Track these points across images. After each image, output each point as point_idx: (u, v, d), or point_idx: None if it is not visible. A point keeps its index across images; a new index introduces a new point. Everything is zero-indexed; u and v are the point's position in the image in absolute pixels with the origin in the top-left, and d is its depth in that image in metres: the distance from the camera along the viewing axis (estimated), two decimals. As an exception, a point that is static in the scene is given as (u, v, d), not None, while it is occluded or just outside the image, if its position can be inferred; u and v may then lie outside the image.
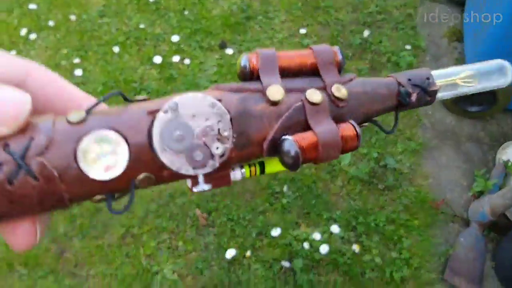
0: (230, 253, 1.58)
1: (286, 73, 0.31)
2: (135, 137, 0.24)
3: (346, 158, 1.84)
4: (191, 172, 0.25)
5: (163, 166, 0.25)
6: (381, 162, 1.87)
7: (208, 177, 0.27)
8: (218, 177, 0.28)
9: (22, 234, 0.25)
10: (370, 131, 1.97)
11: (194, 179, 0.27)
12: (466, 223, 1.76)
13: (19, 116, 0.21)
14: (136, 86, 2.04)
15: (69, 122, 0.24)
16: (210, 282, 1.54)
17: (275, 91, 0.29)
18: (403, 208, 1.75)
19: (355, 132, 0.30)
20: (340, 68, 0.32)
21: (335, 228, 1.66)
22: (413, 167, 1.89)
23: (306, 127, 0.29)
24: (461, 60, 2.30)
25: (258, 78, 0.30)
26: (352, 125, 0.30)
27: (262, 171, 0.30)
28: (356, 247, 1.63)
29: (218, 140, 0.26)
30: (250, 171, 0.29)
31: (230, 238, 1.63)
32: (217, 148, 0.26)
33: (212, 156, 0.26)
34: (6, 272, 1.52)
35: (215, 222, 1.67)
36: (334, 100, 0.30)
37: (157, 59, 2.14)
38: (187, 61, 2.16)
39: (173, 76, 2.09)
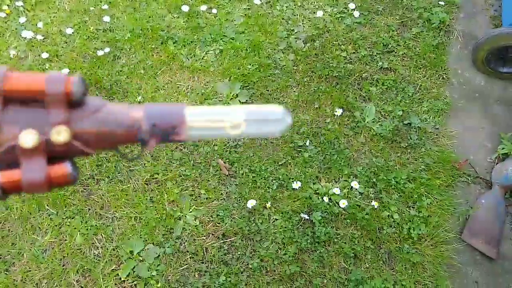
0: (251, 203, 1.61)
1: (16, 97, 0.30)
2: None
3: (370, 114, 1.83)
4: None
5: None
6: (406, 121, 1.85)
7: None
8: None
9: None
10: (396, 89, 1.95)
11: None
12: (488, 185, 1.75)
13: None
14: (163, 35, 2.03)
15: None
16: (231, 229, 1.58)
17: None
18: (425, 167, 1.75)
19: (66, 172, 0.30)
20: (74, 100, 0.31)
21: (355, 184, 1.68)
22: (437, 126, 1.87)
23: (18, 164, 0.30)
24: (496, 19, 2.22)
25: None
26: (66, 165, 0.30)
27: None
28: (375, 203, 1.65)
29: None
30: None
31: (251, 189, 1.66)
32: None
33: None
34: (36, 211, 1.58)
35: (237, 172, 1.70)
36: (51, 143, 0.30)
37: (185, 8, 2.11)
38: (214, 10, 2.14)
39: (200, 25, 2.08)
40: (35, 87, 0.30)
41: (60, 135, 0.30)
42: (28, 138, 0.29)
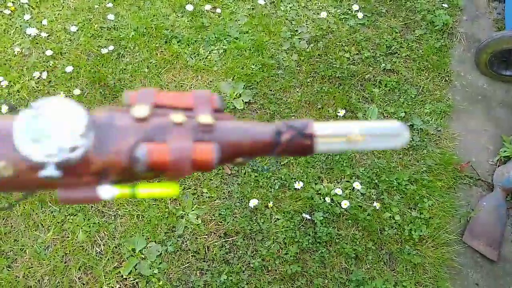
0: (253, 202, 1.62)
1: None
2: (3, 127, 0.27)
3: (373, 116, 1.84)
4: (42, 158, 0.26)
5: (20, 155, 0.26)
6: (408, 122, 1.86)
7: (71, 180, 0.28)
8: (83, 184, 0.28)
9: None
10: (399, 90, 1.95)
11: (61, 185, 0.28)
12: (490, 187, 1.76)
13: None
14: (167, 33, 2.03)
15: None
16: (232, 228, 1.59)
17: (140, 109, 0.30)
18: (427, 169, 1.76)
19: (211, 155, 0.30)
20: (217, 111, 0.33)
21: (357, 185, 1.68)
22: (440, 128, 1.87)
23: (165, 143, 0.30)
24: (499, 22, 2.22)
25: None
26: (211, 147, 0.30)
27: (133, 196, 0.30)
28: (377, 204, 1.65)
29: (73, 136, 0.27)
30: (121, 193, 0.30)
31: (253, 188, 1.67)
32: (71, 141, 0.27)
33: (63, 149, 0.27)
34: (39, 208, 1.59)
35: (239, 172, 1.70)
36: (198, 124, 0.31)
37: (189, 7, 2.12)
38: (218, 10, 2.14)
39: (204, 24, 2.08)
40: (184, 100, 0.32)
41: (206, 118, 0.31)
42: (178, 116, 0.31)
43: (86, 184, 0.28)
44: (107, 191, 0.29)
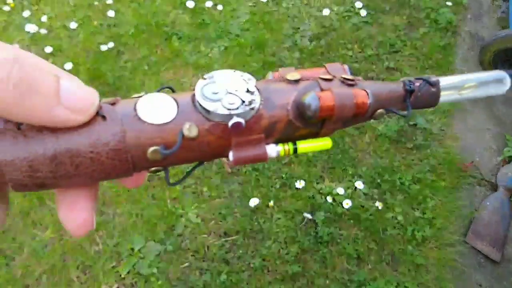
0: (254, 201, 1.60)
1: None
2: (181, 97, 0.29)
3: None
4: (225, 111, 0.28)
5: (203, 115, 0.29)
6: (411, 121, 1.84)
7: (243, 140, 0.30)
8: (254, 142, 0.30)
9: (79, 213, 0.28)
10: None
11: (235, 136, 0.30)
12: (494, 187, 1.74)
13: (89, 107, 0.25)
14: (168, 31, 2.01)
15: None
16: (233, 228, 1.57)
17: (293, 74, 0.32)
18: (430, 168, 1.73)
19: (367, 98, 0.32)
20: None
21: (359, 184, 1.66)
22: (443, 128, 1.85)
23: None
24: (504, 21, 2.20)
25: None
26: (365, 92, 0.32)
27: (295, 150, 0.32)
28: (379, 204, 1.63)
29: (247, 92, 0.30)
30: (284, 149, 0.31)
31: (254, 187, 1.65)
32: (247, 96, 0.29)
33: (243, 101, 0.29)
34: (37, 206, 1.57)
35: (240, 170, 1.68)
36: (343, 80, 0.33)
37: (190, 4, 2.10)
38: (219, 7, 2.12)
39: (205, 21, 2.06)
40: (322, 75, 0.34)
41: (347, 76, 0.33)
42: (326, 75, 0.33)
43: (255, 142, 0.30)
44: (273, 149, 0.31)
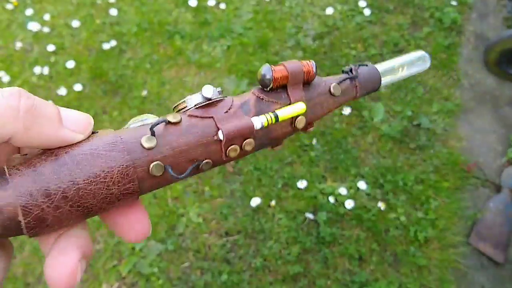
0: (255, 201, 1.59)
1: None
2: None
3: (379, 114, 1.80)
4: (198, 95, 0.33)
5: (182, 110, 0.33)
6: (415, 121, 1.82)
7: (224, 115, 0.33)
8: (235, 115, 0.33)
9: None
10: (405, 89, 1.92)
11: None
12: (497, 188, 1.72)
13: (89, 126, 0.29)
14: (170, 29, 2.01)
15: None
16: (234, 227, 1.56)
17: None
18: (434, 169, 1.72)
19: (313, 66, 0.37)
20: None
21: (362, 184, 1.65)
22: (447, 128, 1.84)
23: None
24: (509, 20, 2.18)
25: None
26: (311, 62, 0.37)
27: (277, 118, 0.34)
28: (381, 205, 1.62)
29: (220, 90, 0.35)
30: (267, 119, 0.34)
31: (256, 187, 1.64)
32: (220, 90, 0.34)
33: (215, 91, 0.34)
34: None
35: (242, 170, 1.67)
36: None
37: (192, 2, 2.09)
38: (222, 5, 2.11)
39: (207, 20, 2.05)
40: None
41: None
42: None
43: (236, 114, 0.33)
44: (257, 119, 0.33)
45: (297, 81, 0.36)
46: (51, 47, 1.93)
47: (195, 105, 0.32)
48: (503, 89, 1.98)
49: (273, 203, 1.60)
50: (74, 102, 1.80)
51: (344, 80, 0.40)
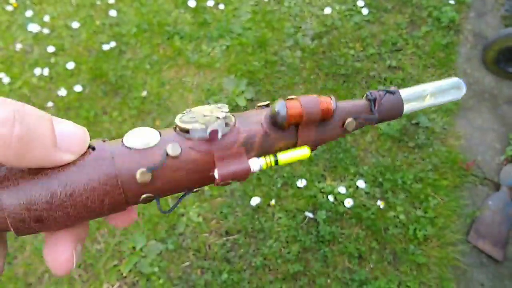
0: (255, 200, 1.60)
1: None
2: (163, 130, 0.32)
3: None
4: (202, 126, 0.30)
5: (183, 136, 0.31)
6: (413, 120, 1.83)
7: (225, 154, 0.31)
8: (236, 156, 0.32)
9: (62, 255, 0.30)
10: (404, 87, 1.92)
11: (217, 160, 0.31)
12: (496, 186, 1.73)
13: (83, 145, 0.28)
14: (170, 30, 2.02)
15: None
16: (234, 227, 1.57)
17: (263, 101, 0.37)
18: (432, 167, 1.73)
19: (332, 103, 0.34)
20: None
21: (361, 183, 1.66)
22: (446, 126, 1.84)
23: None
24: (507, 19, 2.19)
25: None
26: (330, 98, 0.35)
27: (276, 162, 0.33)
28: (381, 203, 1.63)
29: (222, 112, 0.32)
30: (266, 162, 0.33)
31: (255, 186, 1.65)
32: (222, 114, 0.31)
33: (218, 118, 0.31)
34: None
35: (241, 169, 1.68)
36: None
37: (192, 3, 2.10)
38: (221, 6, 2.12)
39: (206, 21, 2.06)
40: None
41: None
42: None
43: (237, 156, 0.32)
44: (256, 162, 0.32)
45: (311, 121, 0.34)
46: (51, 48, 1.94)
47: (197, 138, 0.31)
48: (502, 88, 1.99)
49: (272, 202, 1.61)
50: (74, 102, 1.81)
51: (362, 117, 0.38)
